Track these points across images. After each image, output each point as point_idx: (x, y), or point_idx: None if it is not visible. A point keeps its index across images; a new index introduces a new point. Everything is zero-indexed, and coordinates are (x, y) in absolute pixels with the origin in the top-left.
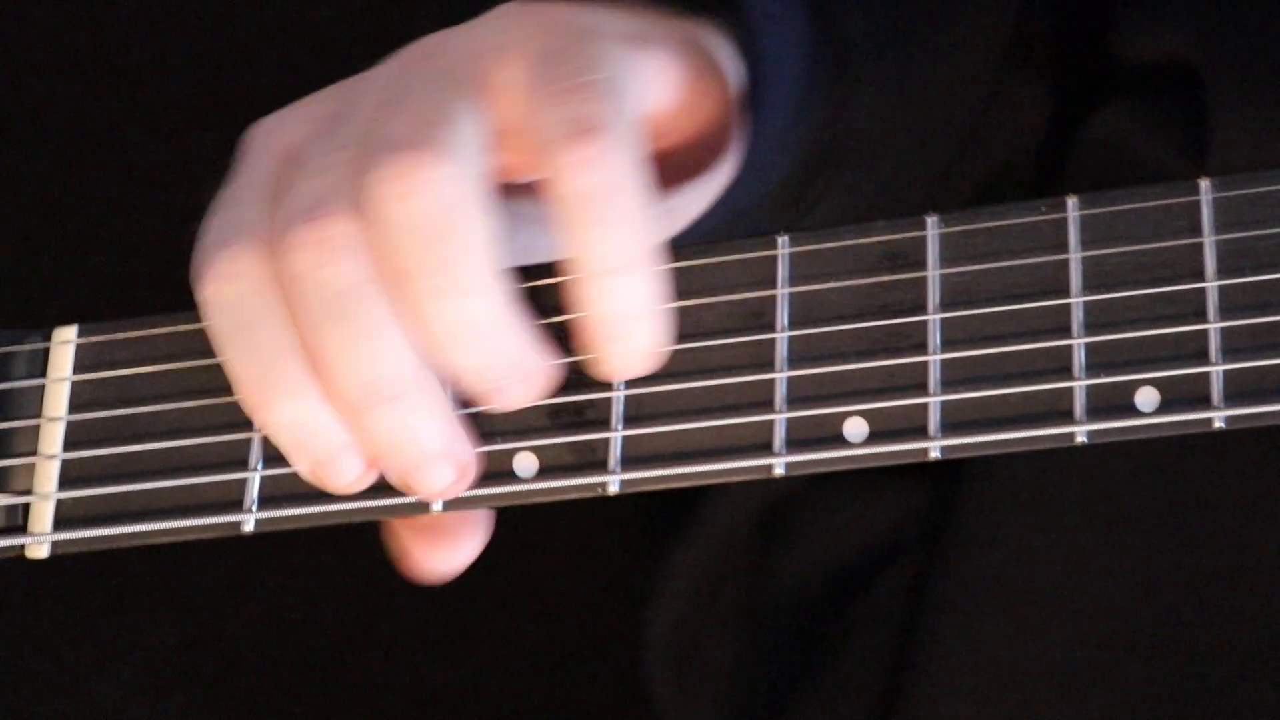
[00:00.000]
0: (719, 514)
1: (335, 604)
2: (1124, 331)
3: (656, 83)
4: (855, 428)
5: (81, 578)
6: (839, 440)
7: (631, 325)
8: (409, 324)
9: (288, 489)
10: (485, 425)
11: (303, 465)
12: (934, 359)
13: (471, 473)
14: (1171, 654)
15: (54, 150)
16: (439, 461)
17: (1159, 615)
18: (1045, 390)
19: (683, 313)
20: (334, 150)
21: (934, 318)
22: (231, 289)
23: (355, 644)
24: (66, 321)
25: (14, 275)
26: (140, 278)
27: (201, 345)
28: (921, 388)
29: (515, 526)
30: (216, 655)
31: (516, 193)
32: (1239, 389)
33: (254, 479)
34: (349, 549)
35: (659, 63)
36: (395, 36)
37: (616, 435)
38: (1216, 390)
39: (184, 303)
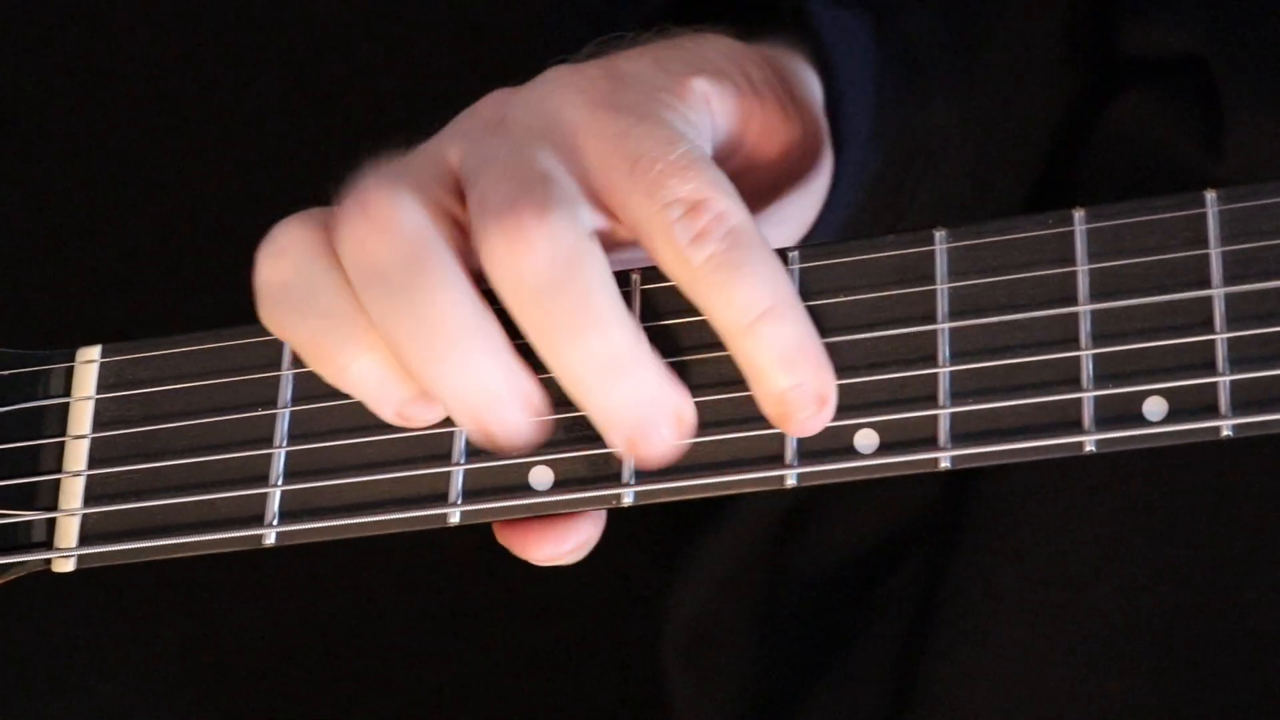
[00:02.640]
0: (745, 510)
1: (335, 604)
2: (1132, 342)
3: (729, 113)
4: (866, 439)
5: (82, 579)
6: (850, 451)
7: (794, 363)
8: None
9: (307, 503)
10: None
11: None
12: (943, 371)
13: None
14: (1185, 641)
15: (54, 150)
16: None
17: (1172, 603)
18: (1054, 400)
19: (692, 327)
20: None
21: (943, 328)
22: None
23: (355, 644)
24: (66, 323)
25: (14, 275)
26: (140, 278)
27: (221, 363)
28: (931, 399)
29: None
30: (216, 655)
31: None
32: (1246, 398)
33: (275, 494)
34: (349, 549)
35: (725, 94)
36: (395, 37)
37: None
38: (1224, 399)
39: (182, 303)
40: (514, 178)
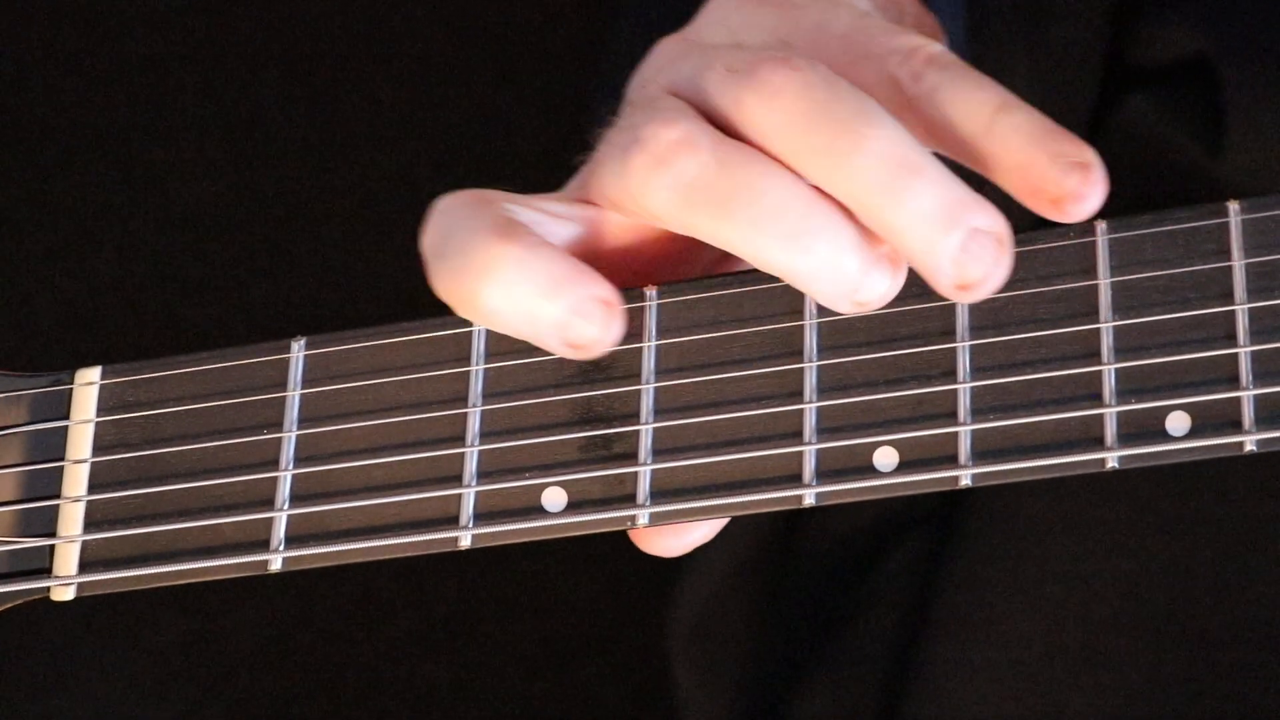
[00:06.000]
0: None
1: (335, 604)
2: (1154, 356)
3: None
4: (886, 457)
5: None
6: (869, 470)
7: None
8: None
9: (314, 528)
10: (512, 460)
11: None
12: (964, 387)
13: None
14: (1184, 634)
15: (54, 150)
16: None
17: (1172, 595)
18: (1076, 416)
19: (711, 343)
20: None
21: (963, 345)
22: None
23: (355, 644)
24: (66, 326)
25: (14, 276)
26: (140, 278)
27: (225, 384)
28: (952, 416)
29: None
30: (216, 655)
31: None
32: (1271, 412)
33: (281, 518)
34: None
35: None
36: (395, 36)
37: (645, 469)
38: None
39: (182, 303)
40: (743, 52)
